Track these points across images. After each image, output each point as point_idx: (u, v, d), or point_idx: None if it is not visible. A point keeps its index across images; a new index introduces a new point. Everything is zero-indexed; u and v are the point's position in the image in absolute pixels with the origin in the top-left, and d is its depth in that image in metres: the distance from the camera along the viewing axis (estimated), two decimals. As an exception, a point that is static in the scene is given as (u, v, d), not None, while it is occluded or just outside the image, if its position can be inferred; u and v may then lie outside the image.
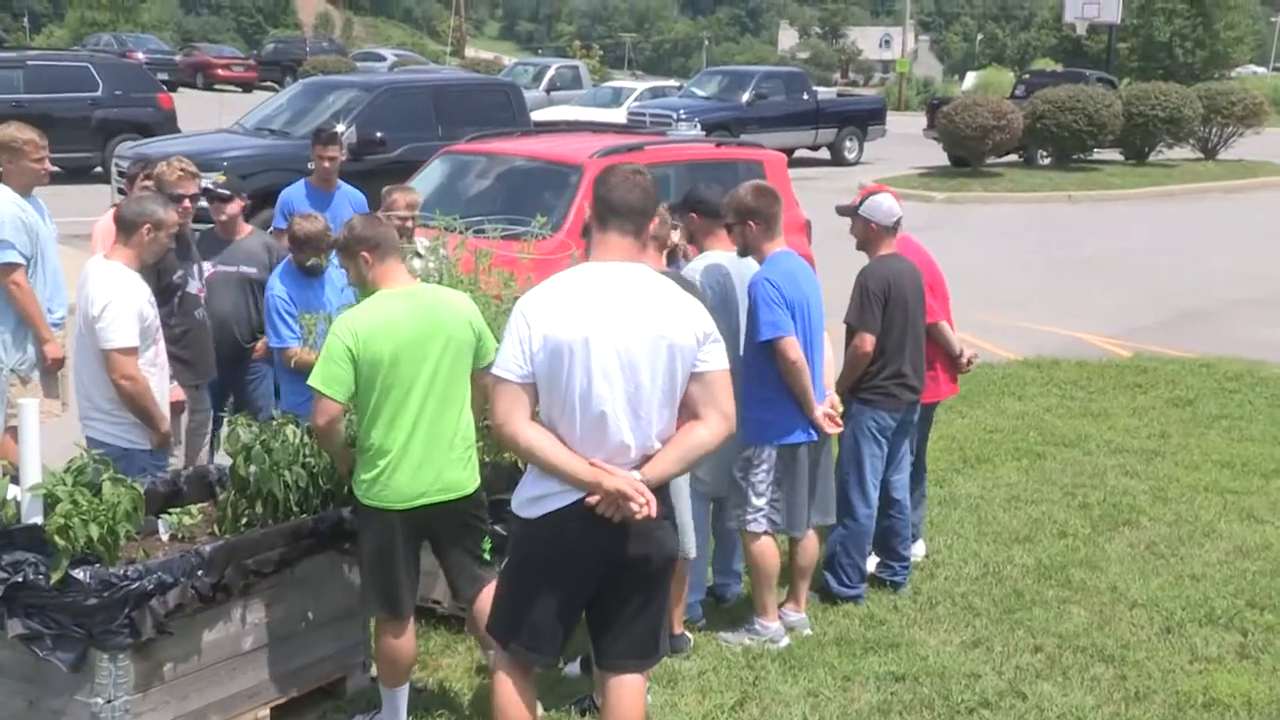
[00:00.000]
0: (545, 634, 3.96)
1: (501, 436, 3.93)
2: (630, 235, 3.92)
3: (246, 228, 6.92)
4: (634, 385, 3.79)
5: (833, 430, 5.58)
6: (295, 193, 8.19)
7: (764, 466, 5.54)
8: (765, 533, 5.58)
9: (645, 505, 3.77)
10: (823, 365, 5.65)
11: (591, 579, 3.91)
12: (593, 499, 3.78)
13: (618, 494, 3.75)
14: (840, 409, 5.70)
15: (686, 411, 3.89)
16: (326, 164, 8.14)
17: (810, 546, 5.76)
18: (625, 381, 3.78)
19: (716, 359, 3.87)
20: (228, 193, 6.75)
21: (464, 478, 4.55)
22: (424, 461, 4.47)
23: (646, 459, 3.84)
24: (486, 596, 4.63)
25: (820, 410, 5.52)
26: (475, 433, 4.66)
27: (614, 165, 4.07)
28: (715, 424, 3.86)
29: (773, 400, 5.48)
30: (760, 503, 5.56)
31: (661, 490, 3.90)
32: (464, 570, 4.71)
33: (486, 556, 4.71)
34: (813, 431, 5.52)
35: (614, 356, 3.77)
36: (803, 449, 5.55)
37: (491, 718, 4.11)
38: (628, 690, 3.99)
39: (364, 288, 4.67)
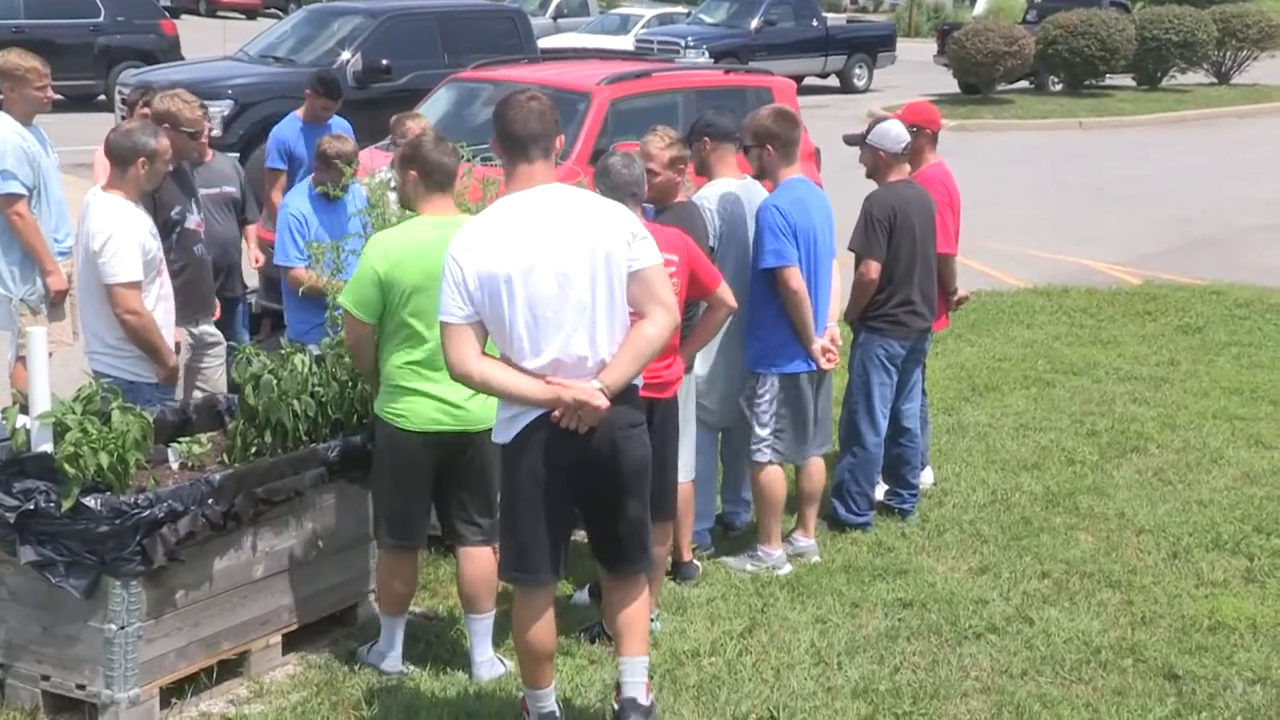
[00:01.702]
0: (533, 551, 4.03)
1: (457, 377, 4.00)
2: (540, 159, 3.99)
3: (210, 150, 6.89)
4: (576, 302, 3.86)
5: (827, 365, 5.54)
6: (289, 130, 8.05)
7: (767, 396, 5.53)
8: (770, 462, 5.59)
9: (602, 406, 3.84)
10: (828, 296, 5.60)
11: (567, 490, 3.99)
12: (557, 414, 3.86)
13: (575, 404, 3.83)
14: (840, 343, 5.67)
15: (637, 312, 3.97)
16: (324, 112, 8.03)
17: (816, 473, 5.77)
18: (567, 300, 3.85)
19: (648, 255, 3.95)
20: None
21: (479, 411, 4.51)
22: (444, 390, 4.46)
23: (605, 366, 3.91)
24: (479, 559, 4.63)
25: (818, 343, 5.49)
26: None
27: (508, 96, 4.07)
28: (659, 318, 3.95)
29: (774, 328, 5.46)
30: (764, 433, 5.55)
31: (631, 396, 3.99)
32: (466, 513, 4.65)
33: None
34: (813, 362, 5.50)
35: (551, 279, 3.84)
36: (804, 378, 5.53)
37: (517, 650, 4.23)
38: (625, 586, 4.15)
39: (408, 207, 4.69)
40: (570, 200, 3.97)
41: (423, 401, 4.49)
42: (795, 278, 5.37)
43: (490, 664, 4.71)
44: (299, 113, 8.16)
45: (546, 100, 4.03)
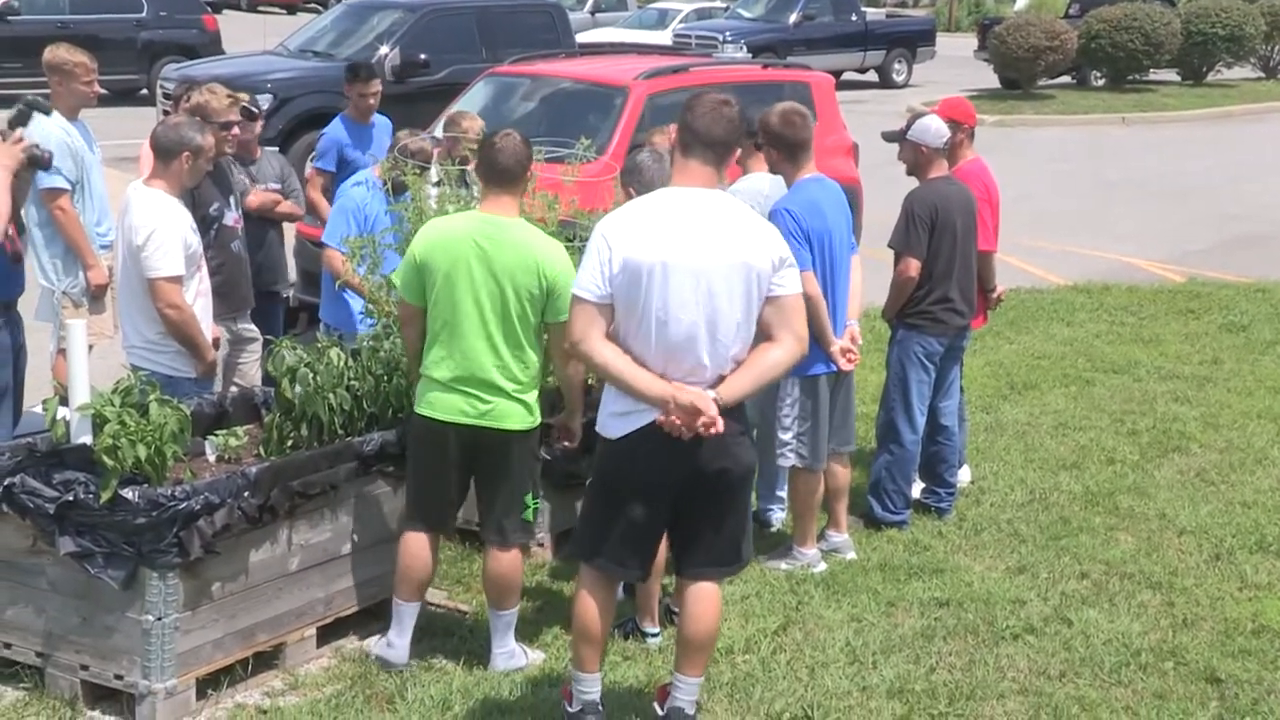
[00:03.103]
0: (633, 548, 4.09)
1: (577, 354, 4.04)
2: (711, 164, 4.00)
3: (259, 148, 6.94)
4: (711, 308, 3.87)
5: (846, 366, 5.49)
6: (338, 131, 8.01)
7: (789, 400, 5.49)
8: (795, 466, 5.56)
9: (713, 423, 3.85)
10: (846, 295, 5.54)
11: (671, 493, 4.02)
12: (662, 419, 3.86)
13: (691, 408, 3.83)
14: (860, 341, 5.62)
15: (761, 334, 3.99)
16: (370, 102, 7.97)
17: (840, 469, 5.73)
18: (703, 304, 3.86)
19: (791, 283, 3.97)
20: (255, 110, 6.72)
21: (506, 411, 4.51)
22: (463, 383, 4.48)
23: (722, 378, 3.93)
24: (502, 559, 4.63)
25: (837, 344, 5.44)
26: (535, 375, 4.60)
27: (702, 94, 4.10)
28: (789, 345, 3.98)
29: None
30: (787, 436, 5.52)
31: (737, 407, 4.00)
32: (491, 514, 4.69)
33: (529, 516, 4.68)
34: (833, 363, 5.46)
35: (691, 280, 3.85)
36: (823, 380, 5.49)
37: (573, 633, 4.24)
38: (705, 597, 4.14)
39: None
40: (730, 211, 3.99)
41: (450, 395, 4.51)
42: (810, 283, 5.30)
43: (508, 655, 4.71)
44: (346, 112, 8.15)
45: (737, 110, 4.05)
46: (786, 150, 5.44)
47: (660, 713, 4.24)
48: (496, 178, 4.56)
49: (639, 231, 3.89)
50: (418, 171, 5.72)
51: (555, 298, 4.47)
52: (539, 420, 4.65)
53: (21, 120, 5.24)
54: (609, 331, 3.94)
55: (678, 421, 3.85)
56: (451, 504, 4.71)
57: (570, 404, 4.85)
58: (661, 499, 4.02)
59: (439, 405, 4.53)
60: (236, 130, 6.21)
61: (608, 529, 4.09)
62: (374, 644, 4.79)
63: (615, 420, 4.00)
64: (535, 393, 4.60)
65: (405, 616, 4.71)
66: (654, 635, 4.88)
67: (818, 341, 5.41)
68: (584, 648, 4.17)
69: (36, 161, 5.17)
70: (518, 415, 4.55)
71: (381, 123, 8.10)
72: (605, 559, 4.12)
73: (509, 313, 4.46)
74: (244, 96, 6.54)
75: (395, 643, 4.71)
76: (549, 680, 4.62)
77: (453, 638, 4.92)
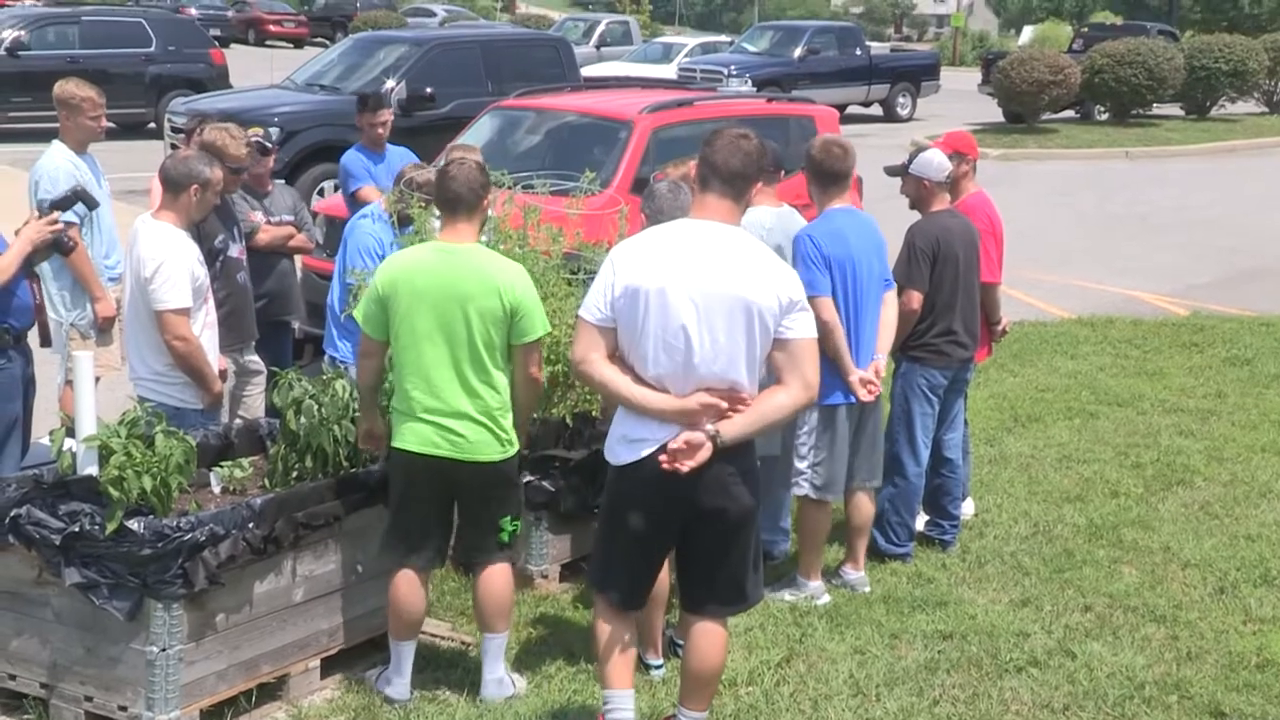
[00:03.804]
0: (629, 575, 4.12)
1: (578, 374, 4.09)
2: (729, 198, 4.01)
3: (271, 181, 7.00)
4: (710, 340, 3.87)
5: (865, 397, 5.48)
6: (354, 159, 8.07)
7: (805, 428, 5.50)
8: (808, 496, 5.56)
9: (730, 407, 3.86)
10: (875, 327, 5.56)
11: (672, 528, 4.04)
12: (663, 458, 3.85)
13: (699, 407, 3.86)
14: (884, 374, 5.63)
15: (772, 377, 3.99)
16: (380, 131, 8.05)
17: (864, 505, 5.74)
18: (701, 334, 3.86)
19: (802, 327, 3.95)
20: (268, 145, 6.77)
21: (478, 443, 4.50)
22: (434, 414, 4.47)
23: (723, 416, 3.92)
24: (492, 580, 4.66)
25: (857, 375, 5.44)
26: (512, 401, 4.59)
27: (723, 129, 4.13)
28: (796, 390, 3.95)
29: None
30: (802, 465, 5.53)
31: (742, 446, 3.99)
32: (470, 539, 4.72)
33: (505, 538, 4.68)
34: (852, 394, 5.47)
35: (691, 308, 3.86)
36: (842, 410, 5.49)
37: (596, 657, 4.25)
38: (709, 634, 4.14)
39: (423, 234, 4.74)
40: (739, 247, 3.97)
41: (421, 426, 4.50)
42: (826, 308, 5.33)
43: (499, 683, 4.70)
44: (360, 143, 8.22)
45: (758, 145, 4.07)
46: (817, 178, 5.54)
47: None
48: (450, 206, 4.57)
49: (644, 257, 3.93)
50: (423, 204, 5.76)
51: (519, 319, 4.48)
52: (516, 448, 4.63)
53: (64, 205, 5.37)
54: (614, 355, 3.96)
55: (681, 449, 3.85)
56: (435, 537, 4.67)
57: (517, 423, 4.76)
58: (661, 529, 4.03)
59: (410, 437, 4.51)
60: (247, 175, 6.28)
61: (611, 555, 4.13)
62: (374, 679, 4.79)
63: (623, 446, 4.00)
64: (509, 417, 4.57)
65: (404, 656, 4.70)
66: (657, 667, 4.88)
67: (836, 370, 5.42)
68: (607, 666, 4.16)
69: (59, 246, 5.33)
70: (491, 447, 4.52)
71: (398, 152, 8.14)
72: (609, 588, 4.14)
73: (474, 339, 4.45)
74: (258, 130, 6.57)
75: (395, 681, 4.70)
76: (551, 713, 4.61)
77: (456, 669, 4.92)
